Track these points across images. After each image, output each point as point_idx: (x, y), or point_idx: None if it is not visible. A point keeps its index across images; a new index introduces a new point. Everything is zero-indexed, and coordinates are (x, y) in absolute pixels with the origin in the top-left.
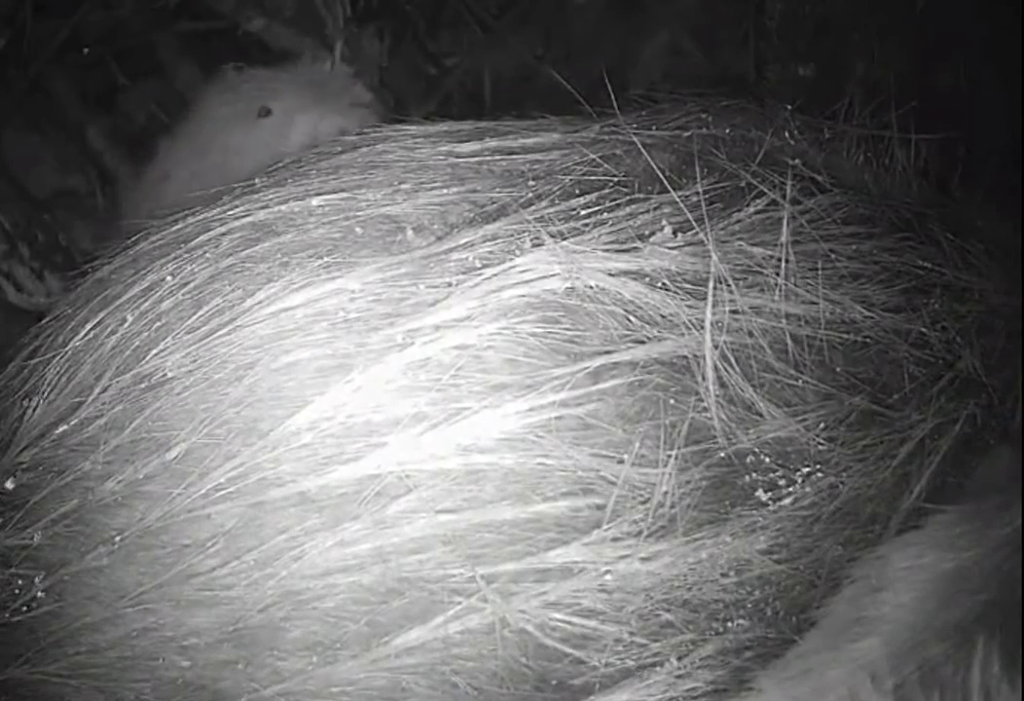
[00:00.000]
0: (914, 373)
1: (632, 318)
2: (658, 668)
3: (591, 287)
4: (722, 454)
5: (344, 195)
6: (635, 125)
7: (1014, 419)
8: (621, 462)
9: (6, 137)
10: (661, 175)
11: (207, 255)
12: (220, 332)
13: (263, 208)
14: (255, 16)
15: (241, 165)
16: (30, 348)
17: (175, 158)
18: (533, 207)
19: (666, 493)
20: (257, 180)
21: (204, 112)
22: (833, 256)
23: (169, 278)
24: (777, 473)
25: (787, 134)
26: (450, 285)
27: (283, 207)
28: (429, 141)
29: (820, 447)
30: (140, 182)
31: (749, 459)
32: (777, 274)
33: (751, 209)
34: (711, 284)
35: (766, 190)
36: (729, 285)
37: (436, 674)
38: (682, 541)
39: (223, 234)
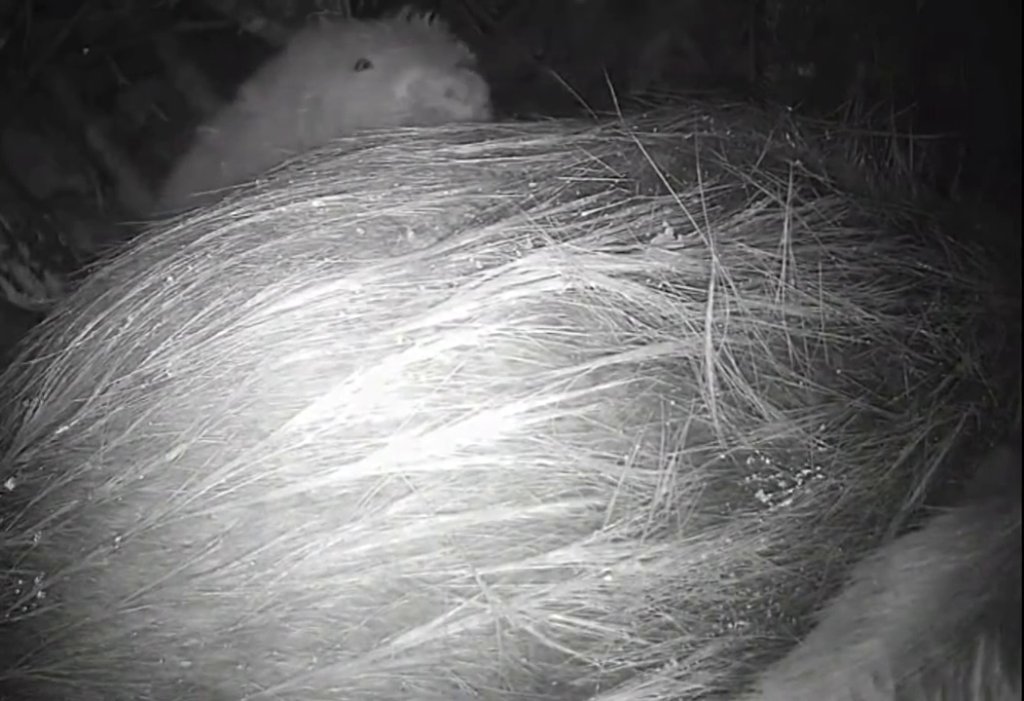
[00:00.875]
0: (914, 375)
1: (633, 319)
2: (658, 669)
3: (592, 288)
4: (722, 456)
5: (345, 196)
6: (636, 127)
7: (1014, 421)
8: (621, 463)
9: (6, 137)
10: (662, 177)
11: (208, 256)
12: (220, 333)
13: (264, 209)
14: (255, 16)
15: (337, 118)
16: (31, 349)
17: (263, 103)
18: (534, 208)
19: (666, 494)
20: (258, 181)
21: (296, 58)
22: (834, 258)
23: (170, 279)
24: (777, 475)
25: (788, 136)
26: (451, 286)
27: (284, 208)
28: (430, 142)
29: (820, 449)
30: (223, 122)
31: (749, 461)
32: (778, 276)
33: (752, 211)
34: (712, 286)
35: (767, 192)
36: (730, 287)
37: (436, 675)
38: (682, 542)
39: (224, 235)
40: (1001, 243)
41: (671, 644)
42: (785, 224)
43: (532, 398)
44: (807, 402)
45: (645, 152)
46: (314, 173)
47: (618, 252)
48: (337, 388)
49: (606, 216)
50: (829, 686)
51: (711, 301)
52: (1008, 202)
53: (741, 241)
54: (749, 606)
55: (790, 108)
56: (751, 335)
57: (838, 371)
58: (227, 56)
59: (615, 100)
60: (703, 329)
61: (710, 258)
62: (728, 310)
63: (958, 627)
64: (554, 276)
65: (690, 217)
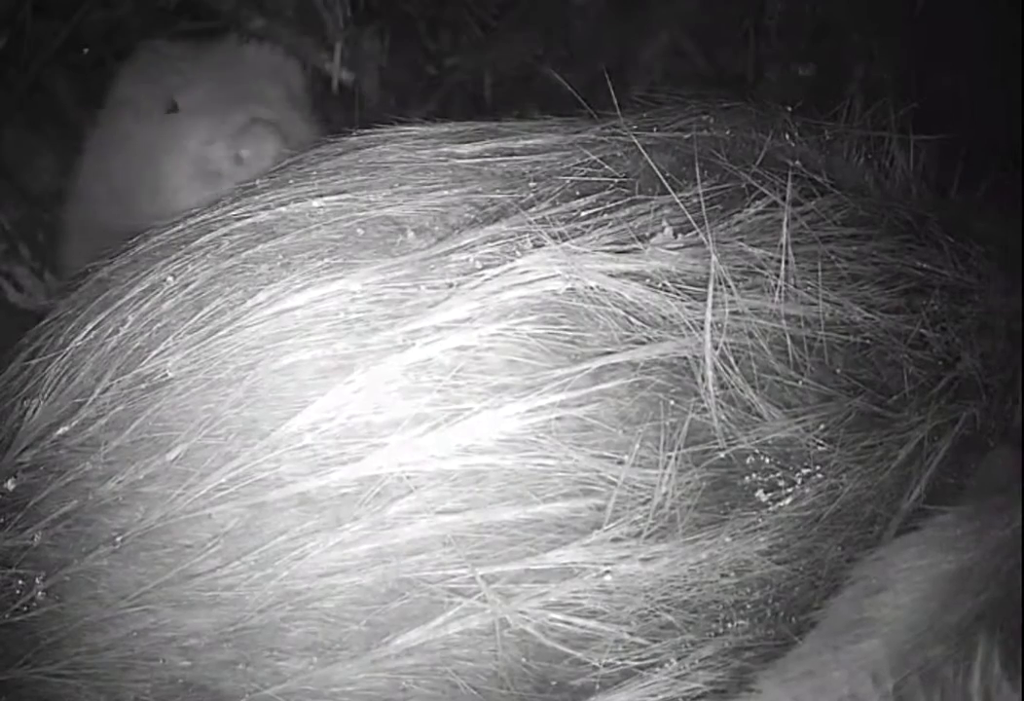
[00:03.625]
0: (914, 374)
1: (632, 319)
2: (658, 669)
3: (592, 288)
4: (722, 455)
5: (345, 196)
6: (635, 126)
7: (1014, 420)
8: (621, 463)
9: (6, 137)
10: (661, 176)
11: (208, 256)
12: (221, 333)
13: (264, 209)
14: (255, 16)
15: (150, 176)
16: (30, 349)
17: (98, 155)
18: (534, 208)
19: (666, 494)
20: (258, 181)
21: (118, 102)
22: (833, 257)
23: (170, 279)
24: (777, 474)
25: (787, 136)
26: (451, 286)
27: (284, 208)
28: (430, 142)
29: (820, 448)
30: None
31: (749, 460)
32: (777, 275)
33: (751, 210)
34: (711, 285)
35: (766, 192)
36: (729, 286)
37: (436, 675)
38: (682, 542)
39: (224, 235)
40: (1001, 243)
41: (671, 643)
42: (784, 223)
43: (532, 398)
44: (807, 401)
45: (644, 152)
46: (314, 173)
47: (618, 252)
48: (337, 388)
49: (606, 216)
50: (828, 686)
51: (710, 300)
52: (1008, 202)
53: (740, 240)
54: (748, 605)
55: (790, 108)
56: (750, 334)
57: (838, 370)
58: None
59: (615, 100)
60: (703, 328)
61: (709, 257)
62: (727, 309)
63: (957, 627)
64: (554, 276)
65: (689, 217)
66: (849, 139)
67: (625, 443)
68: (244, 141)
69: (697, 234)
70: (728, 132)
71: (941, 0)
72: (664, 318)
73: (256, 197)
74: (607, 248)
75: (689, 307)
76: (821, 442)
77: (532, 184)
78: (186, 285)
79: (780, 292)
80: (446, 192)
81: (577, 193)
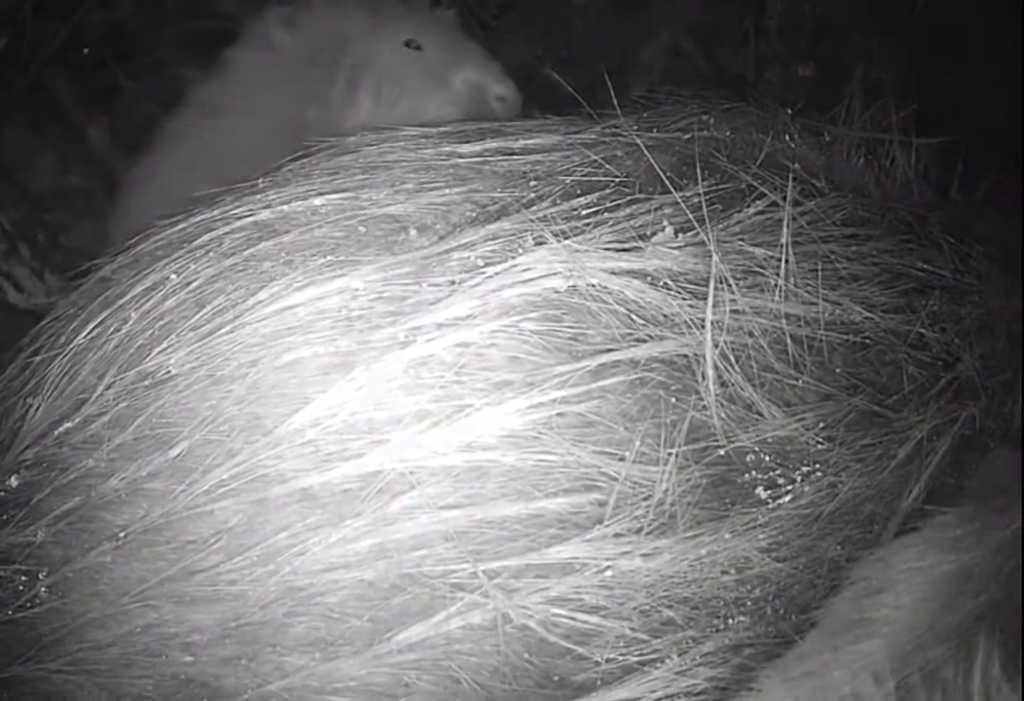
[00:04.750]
0: (913, 374)
1: (634, 317)
2: (659, 664)
3: (593, 286)
4: (722, 452)
5: (347, 195)
6: (636, 127)
7: (1013, 421)
8: (622, 459)
9: (6, 137)
10: (663, 176)
11: (210, 254)
12: (223, 330)
13: (266, 208)
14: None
15: (392, 91)
16: (33, 347)
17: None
18: (535, 207)
19: (667, 490)
20: (260, 180)
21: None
22: (833, 257)
23: (172, 277)
24: (776, 472)
25: (787, 137)
26: (452, 284)
27: (286, 207)
28: (431, 141)
29: (819, 447)
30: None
31: (749, 457)
32: (777, 275)
33: (751, 210)
34: (712, 284)
35: (766, 192)
36: (730, 285)
37: (438, 670)
38: (682, 538)
39: (226, 233)
40: (1001, 243)
41: (671, 639)
42: (784, 223)
43: (533, 394)
44: (806, 400)
45: (646, 152)
46: (316, 171)
47: (619, 250)
48: (339, 385)
49: (606, 215)
50: (829, 686)
51: (711, 299)
52: (1008, 202)
53: (741, 240)
54: (749, 603)
55: (790, 110)
56: (751, 333)
57: (837, 369)
58: None
59: (615, 100)
60: (703, 327)
61: (710, 257)
62: (728, 308)
63: (958, 627)
64: (555, 274)
65: (690, 216)
66: (849, 140)
67: (626, 440)
68: (506, 89)
69: (698, 233)
70: (728, 133)
71: (941, 0)
72: (665, 316)
73: (258, 196)
74: (608, 246)
75: (690, 306)
76: (821, 440)
77: (533, 183)
78: (188, 283)
79: (780, 291)
80: (448, 190)
81: (578, 192)
